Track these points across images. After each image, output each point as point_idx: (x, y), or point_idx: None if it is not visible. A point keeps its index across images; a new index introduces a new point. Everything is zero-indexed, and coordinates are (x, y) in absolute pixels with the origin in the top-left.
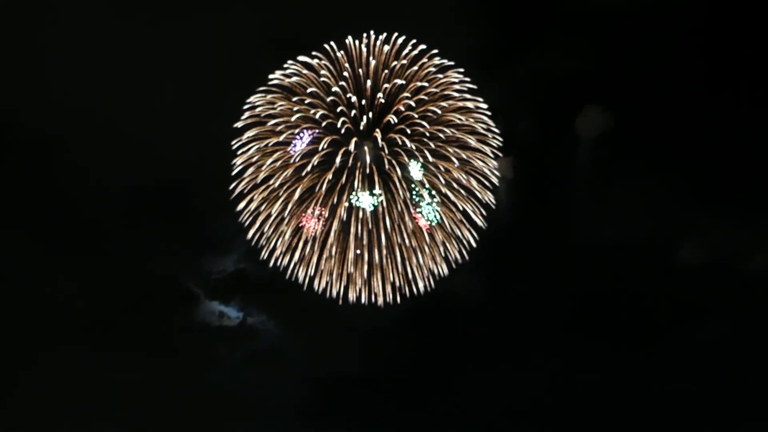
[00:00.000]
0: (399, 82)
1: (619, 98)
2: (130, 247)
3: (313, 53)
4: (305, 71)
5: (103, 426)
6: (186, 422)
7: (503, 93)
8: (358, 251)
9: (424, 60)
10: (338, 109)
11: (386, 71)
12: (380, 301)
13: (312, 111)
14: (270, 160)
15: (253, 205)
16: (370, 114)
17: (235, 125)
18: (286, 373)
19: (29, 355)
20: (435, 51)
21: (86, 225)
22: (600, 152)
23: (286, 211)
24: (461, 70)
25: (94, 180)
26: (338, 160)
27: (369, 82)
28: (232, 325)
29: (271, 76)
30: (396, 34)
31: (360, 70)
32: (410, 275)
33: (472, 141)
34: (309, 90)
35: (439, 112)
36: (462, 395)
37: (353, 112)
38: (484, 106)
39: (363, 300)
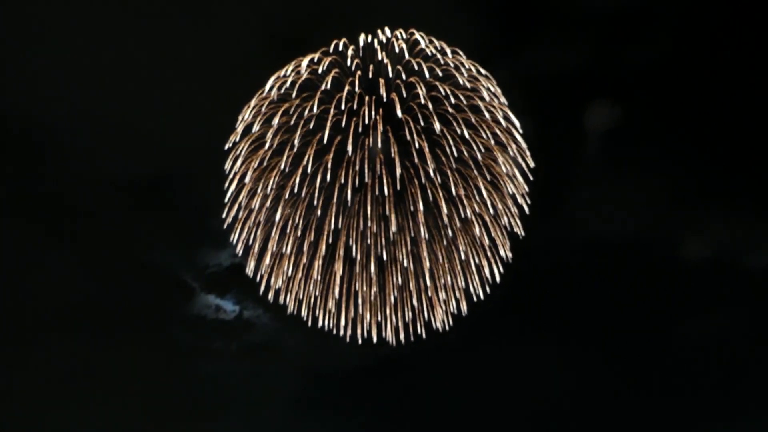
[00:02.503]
0: (418, 87)
1: (625, 93)
2: (125, 240)
3: (323, 49)
4: (306, 71)
5: (98, 419)
6: (182, 415)
7: (506, 89)
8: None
9: (445, 61)
10: (345, 108)
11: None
12: (391, 339)
13: (316, 111)
14: (267, 185)
15: (250, 237)
16: (380, 118)
17: (226, 146)
18: (283, 366)
19: (24, 347)
20: (460, 51)
21: (81, 217)
22: (605, 148)
23: (287, 245)
24: (492, 80)
25: (90, 171)
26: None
27: (381, 84)
28: (228, 318)
29: (269, 84)
30: (413, 31)
31: (371, 67)
32: (426, 313)
33: (500, 160)
34: (309, 91)
35: (467, 134)
36: (461, 389)
37: (363, 111)
38: (517, 123)
39: (373, 338)
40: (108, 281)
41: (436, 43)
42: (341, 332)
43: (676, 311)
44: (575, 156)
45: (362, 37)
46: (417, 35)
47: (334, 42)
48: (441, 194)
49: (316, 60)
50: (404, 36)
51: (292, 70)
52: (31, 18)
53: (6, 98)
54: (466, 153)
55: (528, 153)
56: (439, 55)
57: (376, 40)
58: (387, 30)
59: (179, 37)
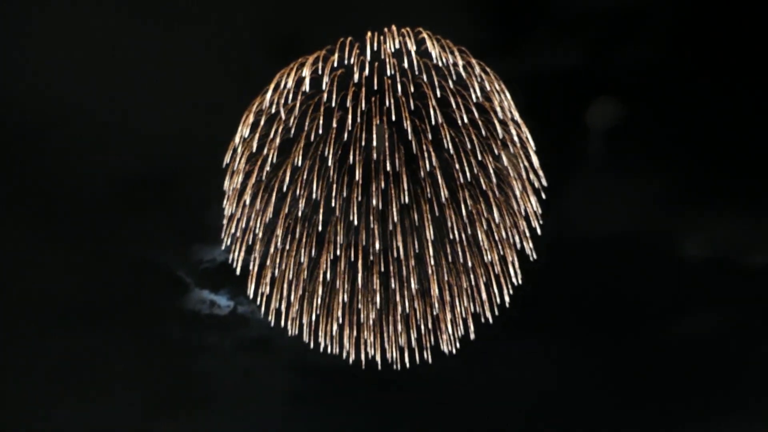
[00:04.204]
0: (425, 87)
1: (626, 92)
2: (119, 235)
3: (328, 47)
4: (310, 70)
5: (93, 415)
6: (175, 410)
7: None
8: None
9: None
10: (348, 111)
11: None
12: (396, 364)
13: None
14: (266, 200)
15: (250, 258)
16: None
17: (224, 163)
18: (278, 362)
19: (19, 344)
20: (467, 51)
21: (76, 212)
22: (606, 147)
23: (287, 264)
24: (504, 89)
25: (84, 167)
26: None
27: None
28: (223, 314)
29: (271, 86)
30: (419, 30)
31: (375, 65)
32: (432, 336)
33: (512, 176)
34: (312, 90)
35: (477, 147)
36: (459, 386)
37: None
38: (531, 141)
39: (377, 363)
40: (102, 277)
41: (443, 42)
42: (344, 355)
43: (676, 310)
44: (576, 155)
45: (368, 35)
46: (424, 34)
47: (340, 41)
48: (449, 210)
49: (320, 59)
50: (411, 35)
51: (296, 71)
52: (29, 16)
53: (3, 96)
54: (476, 166)
55: (541, 172)
56: (447, 57)
57: (382, 39)
58: (394, 29)
59: (178, 35)
